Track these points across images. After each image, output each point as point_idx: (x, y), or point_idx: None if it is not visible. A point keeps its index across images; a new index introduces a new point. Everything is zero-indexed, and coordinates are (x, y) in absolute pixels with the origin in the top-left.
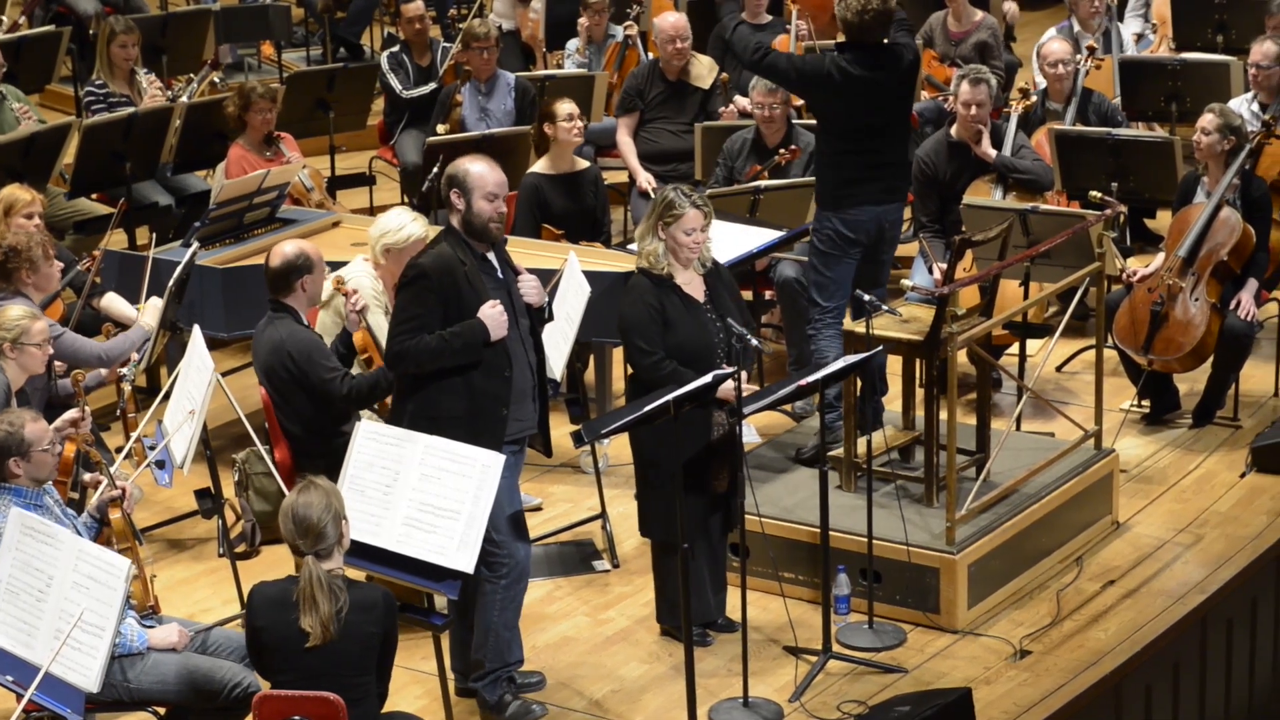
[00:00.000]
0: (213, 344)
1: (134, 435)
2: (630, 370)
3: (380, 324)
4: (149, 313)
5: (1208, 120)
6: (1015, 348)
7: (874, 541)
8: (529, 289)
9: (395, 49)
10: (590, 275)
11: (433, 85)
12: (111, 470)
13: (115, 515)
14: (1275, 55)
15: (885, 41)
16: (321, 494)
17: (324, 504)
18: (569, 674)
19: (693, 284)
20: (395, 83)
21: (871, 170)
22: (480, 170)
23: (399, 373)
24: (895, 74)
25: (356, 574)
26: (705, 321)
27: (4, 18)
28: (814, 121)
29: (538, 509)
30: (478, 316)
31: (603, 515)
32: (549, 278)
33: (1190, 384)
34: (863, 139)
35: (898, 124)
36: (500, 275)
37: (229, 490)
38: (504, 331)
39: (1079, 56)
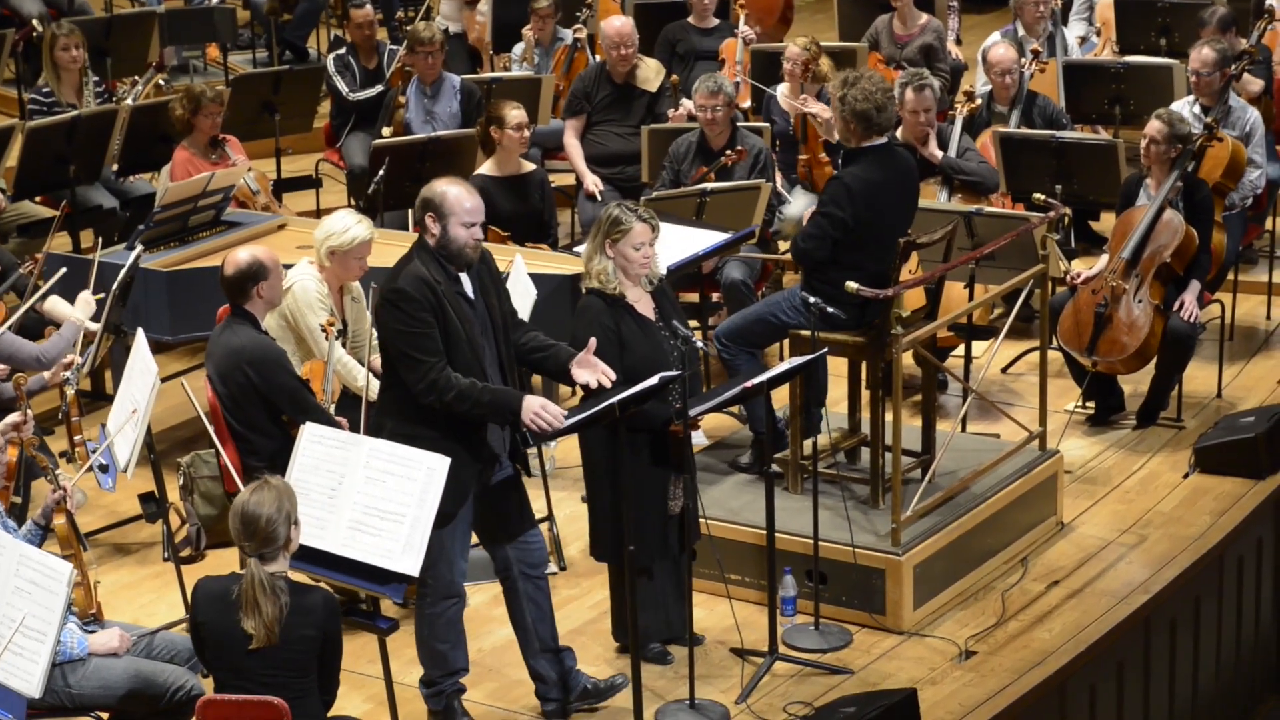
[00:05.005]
0: (157, 347)
1: (76, 439)
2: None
3: (315, 326)
4: (80, 306)
5: (1156, 128)
6: (960, 349)
7: (820, 543)
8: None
9: (342, 51)
10: (536, 277)
11: (380, 88)
12: (55, 474)
13: (59, 520)
14: (1214, 61)
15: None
16: (274, 495)
17: (275, 505)
18: (515, 676)
19: (643, 302)
20: (342, 85)
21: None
22: (456, 195)
23: (428, 403)
24: (908, 175)
25: (301, 578)
26: (660, 340)
27: None
28: (763, 125)
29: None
30: (524, 398)
31: (549, 518)
32: None
33: (1134, 385)
34: (883, 249)
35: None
36: (473, 297)
37: (174, 494)
38: (535, 422)
39: (1023, 60)
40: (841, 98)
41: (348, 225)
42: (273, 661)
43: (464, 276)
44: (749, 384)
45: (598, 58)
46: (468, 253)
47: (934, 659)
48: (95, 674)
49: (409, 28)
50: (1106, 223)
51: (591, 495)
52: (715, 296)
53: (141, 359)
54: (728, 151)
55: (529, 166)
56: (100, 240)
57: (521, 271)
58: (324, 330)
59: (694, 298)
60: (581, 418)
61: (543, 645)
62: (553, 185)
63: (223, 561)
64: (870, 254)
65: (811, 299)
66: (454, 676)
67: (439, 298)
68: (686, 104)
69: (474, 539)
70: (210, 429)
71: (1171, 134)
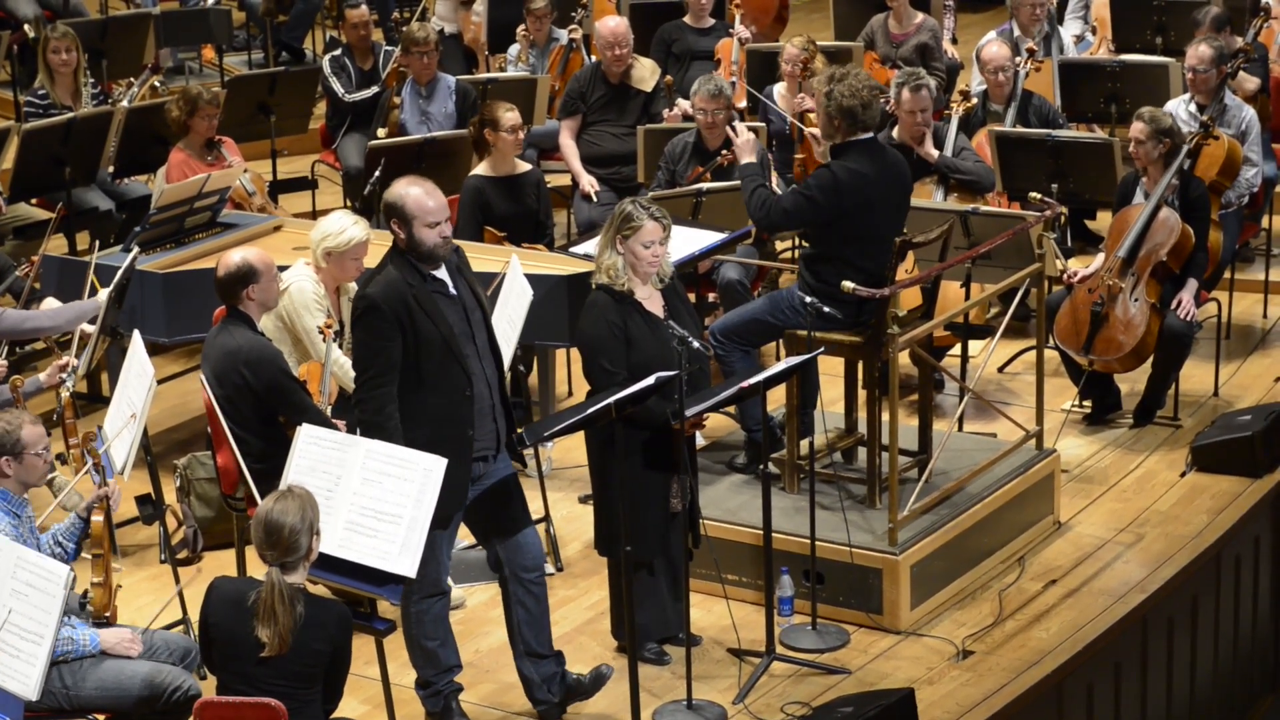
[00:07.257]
0: (154, 349)
1: (71, 441)
2: (590, 389)
3: (311, 327)
4: (103, 292)
5: (1138, 130)
6: (957, 349)
7: (817, 543)
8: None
9: (337, 52)
10: (533, 278)
11: (375, 89)
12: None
13: (97, 518)
14: (1210, 59)
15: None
16: (298, 504)
17: (298, 515)
18: (511, 678)
19: (652, 299)
20: (337, 86)
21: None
22: (417, 198)
23: (358, 416)
24: (899, 171)
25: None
26: (667, 338)
27: None
28: (759, 125)
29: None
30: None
31: (546, 518)
32: (491, 280)
33: (1131, 384)
34: (876, 244)
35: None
36: (453, 290)
37: (170, 496)
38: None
39: (1019, 59)
40: (828, 93)
41: (344, 226)
42: (281, 671)
43: (441, 273)
44: (745, 384)
45: (593, 58)
46: (438, 253)
47: (931, 658)
48: (93, 675)
49: (404, 28)
50: (1103, 221)
51: (597, 491)
52: (711, 296)
53: (138, 361)
54: (724, 151)
55: (525, 167)
56: (96, 242)
57: (518, 272)
58: (321, 332)
59: (690, 297)
60: (578, 418)
61: (526, 648)
62: (549, 186)
63: (219, 564)
64: (862, 249)
65: (808, 298)
66: (448, 674)
67: (410, 306)
68: (682, 104)
69: (472, 539)
70: (224, 426)
71: (1154, 130)
